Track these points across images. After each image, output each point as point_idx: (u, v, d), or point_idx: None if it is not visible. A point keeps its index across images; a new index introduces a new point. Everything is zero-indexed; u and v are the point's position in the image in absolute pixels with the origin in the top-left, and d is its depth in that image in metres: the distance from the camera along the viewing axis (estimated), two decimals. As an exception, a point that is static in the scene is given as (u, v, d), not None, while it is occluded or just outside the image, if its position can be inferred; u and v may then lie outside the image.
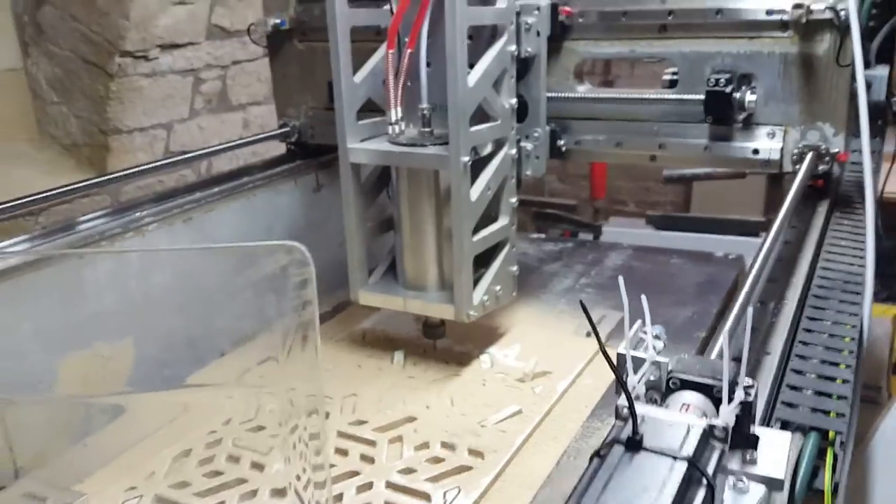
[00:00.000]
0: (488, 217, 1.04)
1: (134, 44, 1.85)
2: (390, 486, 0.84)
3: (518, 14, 1.05)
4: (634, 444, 0.38)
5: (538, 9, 1.07)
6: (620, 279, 0.57)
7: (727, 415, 0.42)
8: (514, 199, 1.08)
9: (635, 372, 0.46)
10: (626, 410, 0.41)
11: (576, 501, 0.35)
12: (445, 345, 1.12)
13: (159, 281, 1.05)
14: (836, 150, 0.99)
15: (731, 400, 0.43)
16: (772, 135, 1.03)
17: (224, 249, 0.88)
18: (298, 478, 0.75)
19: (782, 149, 1.02)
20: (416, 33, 0.96)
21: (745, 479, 0.45)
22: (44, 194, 1.11)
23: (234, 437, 0.94)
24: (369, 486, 0.84)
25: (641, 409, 0.42)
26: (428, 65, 0.99)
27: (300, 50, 1.34)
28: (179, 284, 1.03)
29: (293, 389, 0.77)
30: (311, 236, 1.36)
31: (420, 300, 1.07)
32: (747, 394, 0.45)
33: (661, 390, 0.47)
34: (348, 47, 0.97)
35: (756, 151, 1.04)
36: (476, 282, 1.03)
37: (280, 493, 0.84)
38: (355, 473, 0.86)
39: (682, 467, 0.37)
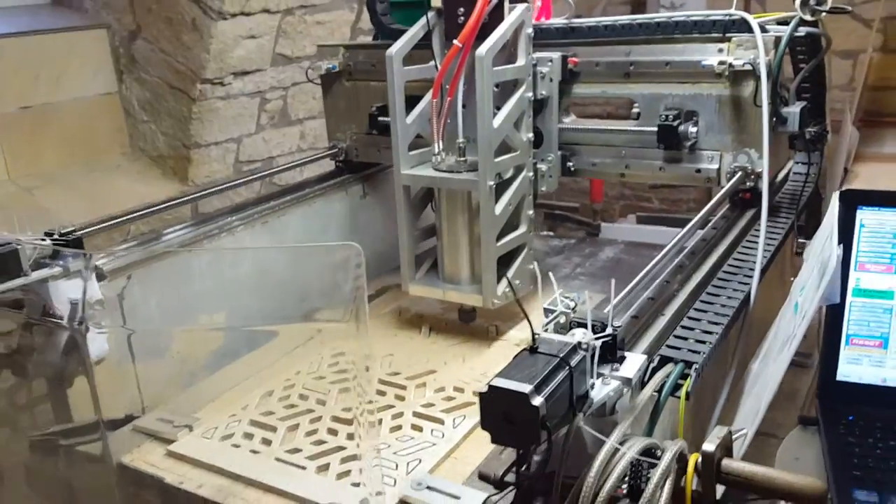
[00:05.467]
0: (511, 225, 1.34)
1: (213, 72, 2.20)
2: (416, 414, 1.17)
3: (535, 65, 1.35)
4: (533, 350, 0.71)
5: (552, 60, 1.37)
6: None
7: (591, 339, 0.74)
8: (531, 211, 1.38)
9: (546, 317, 0.78)
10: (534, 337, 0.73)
11: (496, 374, 0.68)
12: (472, 323, 1.44)
13: (246, 270, 1.39)
14: (760, 169, 1.29)
15: (601, 331, 0.76)
16: (711, 158, 1.33)
17: (303, 247, 1.21)
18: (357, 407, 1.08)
19: (718, 168, 1.32)
20: (455, 85, 1.26)
21: (609, 378, 0.76)
22: (155, 207, 1.42)
23: (303, 382, 1.29)
24: (401, 414, 1.17)
25: (546, 335, 0.74)
26: (464, 106, 1.29)
27: (347, 87, 1.67)
28: (263, 273, 1.37)
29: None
30: (358, 235, 1.70)
31: (456, 291, 1.38)
32: (614, 328, 0.77)
33: (567, 328, 0.79)
34: (402, 97, 1.29)
35: (699, 170, 1.34)
36: (499, 277, 1.34)
37: (337, 419, 1.17)
38: (391, 406, 1.19)
39: (555, 361, 0.69)
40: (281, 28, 2.32)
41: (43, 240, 1.16)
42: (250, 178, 1.61)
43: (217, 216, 1.47)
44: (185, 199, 1.45)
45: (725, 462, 0.72)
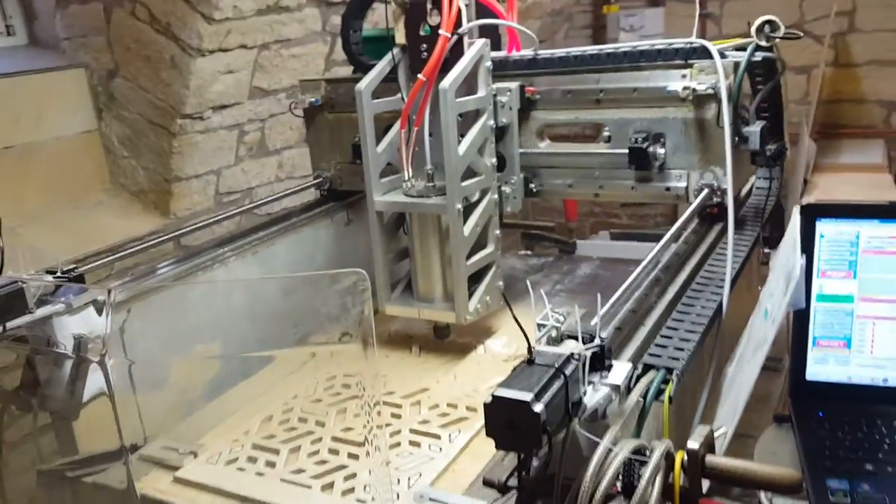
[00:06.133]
0: (479, 245, 1.42)
1: (192, 107, 2.25)
2: (413, 431, 1.22)
3: (495, 95, 1.44)
4: (531, 362, 0.77)
5: (510, 90, 1.46)
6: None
7: (582, 350, 0.80)
8: (497, 231, 1.46)
9: (539, 331, 0.85)
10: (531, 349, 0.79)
11: (499, 384, 0.74)
12: (451, 339, 1.51)
13: (247, 298, 1.43)
14: (725, 186, 1.37)
15: (590, 342, 0.82)
16: (679, 176, 1.41)
17: (310, 276, 1.27)
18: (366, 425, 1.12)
19: (686, 186, 1.40)
20: (421, 115, 1.35)
21: (599, 386, 0.83)
22: (151, 241, 1.47)
23: (301, 405, 1.33)
24: (398, 432, 1.22)
25: (540, 347, 0.81)
26: (430, 135, 1.38)
27: (330, 119, 1.74)
28: (267, 301, 1.42)
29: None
30: (344, 261, 1.75)
31: (430, 309, 1.45)
32: (602, 339, 0.84)
33: (559, 340, 0.86)
34: (373, 128, 1.37)
35: (668, 189, 1.42)
36: (471, 294, 1.41)
37: (337, 439, 1.22)
38: (388, 425, 1.24)
39: (551, 371, 0.75)
40: (258, 62, 2.38)
41: (52, 275, 1.20)
42: (240, 209, 1.66)
43: (209, 248, 1.51)
44: (176, 232, 1.50)
45: (709, 458, 0.79)
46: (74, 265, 1.26)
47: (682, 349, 1.00)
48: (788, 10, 3.54)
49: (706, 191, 1.37)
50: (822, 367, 1.09)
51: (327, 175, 1.79)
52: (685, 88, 1.33)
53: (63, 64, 2.32)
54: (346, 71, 2.65)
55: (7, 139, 2.16)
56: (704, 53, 1.34)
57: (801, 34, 1.30)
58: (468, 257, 1.38)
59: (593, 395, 0.82)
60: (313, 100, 1.70)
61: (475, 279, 1.42)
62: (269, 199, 1.76)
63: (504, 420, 0.72)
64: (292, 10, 2.37)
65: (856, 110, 3.65)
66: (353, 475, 1.11)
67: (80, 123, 2.36)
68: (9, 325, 1.13)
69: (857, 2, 3.56)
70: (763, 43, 1.33)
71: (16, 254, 1.20)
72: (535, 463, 0.81)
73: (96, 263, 1.36)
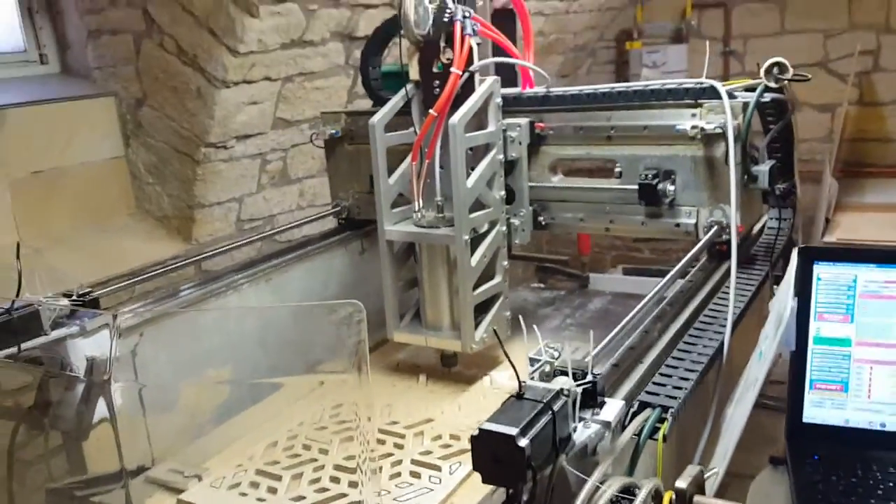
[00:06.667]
0: (487, 276, 1.44)
1: (216, 137, 2.30)
2: (414, 462, 1.23)
3: (505, 130, 1.47)
4: (519, 396, 0.78)
5: (520, 126, 1.49)
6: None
7: (573, 386, 0.81)
8: (505, 263, 1.48)
9: (532, 366, 0.86)
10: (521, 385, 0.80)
11: (487, 419, 0.75)
12: (458, 370, 1.52)
13: (253, 327, 1.46)
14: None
15: (582, 379, 0.83)
16: (689, 213, 1.42)
17: (307, 306, 1.29)
18: (360, 455, 1.14)
19: (696, 223, 1.41)
20: (432, 149, 1.37)
21: (590, 422, 0.83)
22: (168, 266, 1.51)
23: (306, 433, 1.35)
24: (399, 462, 1.23)
25: (531, 382, 0.82)
26: (441, 168, 1.41)
27: (349, 150, 1.78)
28: (269, 329, 1.45)
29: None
30: (357, 290, 1.78)
31: (437, 337, 1.47)
32: (594, 376, 0.84)
33: (551, 376, 0.86)
34: (385, 161, 1.40)
35: (678, 225, 1.43)
36: (478, 324, 1.43)
37: (339, 468, 1.24)
38: (390, 454, 1.26)
39: (539, 406, 0.76)
40: (281, 94, 2.43)
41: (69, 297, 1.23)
42: (259, 236, 1.70)
43: (224, 274, 1.54)
44: (196, 257, 1.53)
45: (697, 498, 0.79)
46: (90, 289, 1.30)
47: (680, 388, 1.00)
48: (813, 48, 3.54)
49: (715, 228, 1.38)
50: (818, 410, 1.08)
51: (345, 204, 1.82)
52: (694, 127, 1.34)
53: (93, 92, 2.39)
54: (368, 103, 2.71)
55: (38, 163, 2.22)
56: (714, 93, 1.36)
57: (809, 76, 1.31)
58: (475, 287, 1.40)
59: (583, 431, 0.83)
60: (333, 131, 1.74)
61: (482, 309, 1.43)
62: (286, 226, 1.80)
63: (490, 454, 0.73)
64: (316, 44, 2.42)
65: (881, 149, 3.62)
66: (355, 503, 1.12)
67: (108, 150, 2.42)
68: (24, 345, 1.17)
69: (881, 41, 3.55)
70: (772, 84, 1.34)
71: (34, 276, 1.24)
72: (523, 498, 0.81)
73: (117, 286, 1.39)
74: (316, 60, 2.48)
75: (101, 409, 1.22)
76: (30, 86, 2.39)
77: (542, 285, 2.02)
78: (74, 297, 1.26)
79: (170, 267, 1.46)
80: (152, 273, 1.43)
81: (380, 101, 1.63)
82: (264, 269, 1.59)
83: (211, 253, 1.57)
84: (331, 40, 2.48)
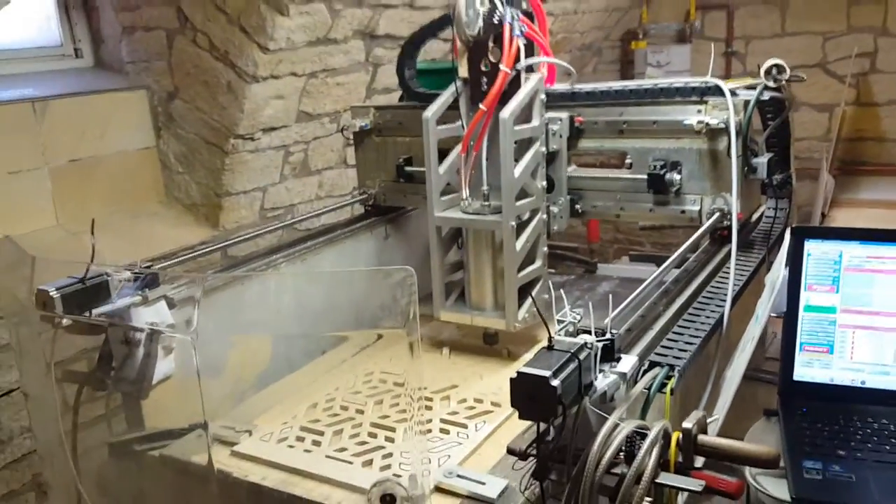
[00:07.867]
0: (528, 260, 1.53)
1: (245, 129, 2.43)
2: (443, 420, 1.36)
3: (547, 124, 1.57)
4: (550, 348, 0.91)
5: (560, 119, 1.60)
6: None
7: (594, 341, 0.94)
8: (545, 248, 1.57)
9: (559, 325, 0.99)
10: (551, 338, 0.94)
11: (524, 364, 0.88)
12: (479, 345, 1.65)
13: (317, 290, 1.56)
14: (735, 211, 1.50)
15: (602, 336, 0.96)
16: (693, 201, 1.55)
17: (366, 271, 1.40)
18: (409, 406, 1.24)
19: (700, 210, 1.54)
20: (480, 141, 1.47)
21: (609, 373, 0.97)
22: (192, 252, 1.61)
23: (342, 396, 1.48)
24: (429, 421, 1.36)
25: (559, 337, 0.95)
26: (487, 159, 1.49)
27: (377, 142, 1.91)
28: (316, 298, 1.56)
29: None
30: (382, 272, 1.90)
31: (482, 316, 1.57)
32: (612, 334, 0.98)
33: (575, 334, 1.00)
34: (436, 153, 1.50)
35: (683, 211, 1.56)
36: (520, 304, 1.53)
37: (375, 425, 1.36)
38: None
39: (566, 355, 0.89)
40: (305, 89, 2.56)
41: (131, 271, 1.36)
42: (286, 223, 1.84)
43: (262, 254, 1.67)
44: (226, 242, 1.66)
45: (701, 437, 0.92)
46: (151, 263, 1.42)
47: (685, 350, 1.14)
48: (812, 50, 3.67)
49: (717, 214, 1.51)
50: (807, 369, 1.22)
51: (372, 192, 1.95)
52: (699, 122, 1.47)
53: (126, 85, 2.52)
54: (385, 99, 2.85)
55: (73, 152, 2.35)
56: (718, 92, 1.49)
57: (804, 76, 1.44)
58: (518, 270, 1.50)
59: (603, 380, 0.96)
60: (363, 124, 1.87)
61: (523, 291, 1.54)
62: (313, 214, 1.94)
63: (527, 393, 0.86)
64: (339, 42, 2.55)
65: (876, 148, 3.76)
66: (390, 454, 1.25)
67: (140, 140, 2.55)
68: (94, 311, 1.30)
69: (878, 44, 3.68)
70: (771, 84, 1.47)
71: (76, 257, 1.36)
72: (551, 435, 0.94)
73: (167, 263, 1.52)
74: (338, 57, 2.61)
75: (158, 370, 1.36)
76: (65, 79, 2.52)
77: (552, 270, 2.14)
78: (137, 270, 1.39)
79: (201, 251, 1.57)
80: (203, 250, 1.55)
81: (412, 96, 1.76)
82: (300, 251, 1.72)
83: (240, 238, 1.69)
84: (353, 38, 2.61)
